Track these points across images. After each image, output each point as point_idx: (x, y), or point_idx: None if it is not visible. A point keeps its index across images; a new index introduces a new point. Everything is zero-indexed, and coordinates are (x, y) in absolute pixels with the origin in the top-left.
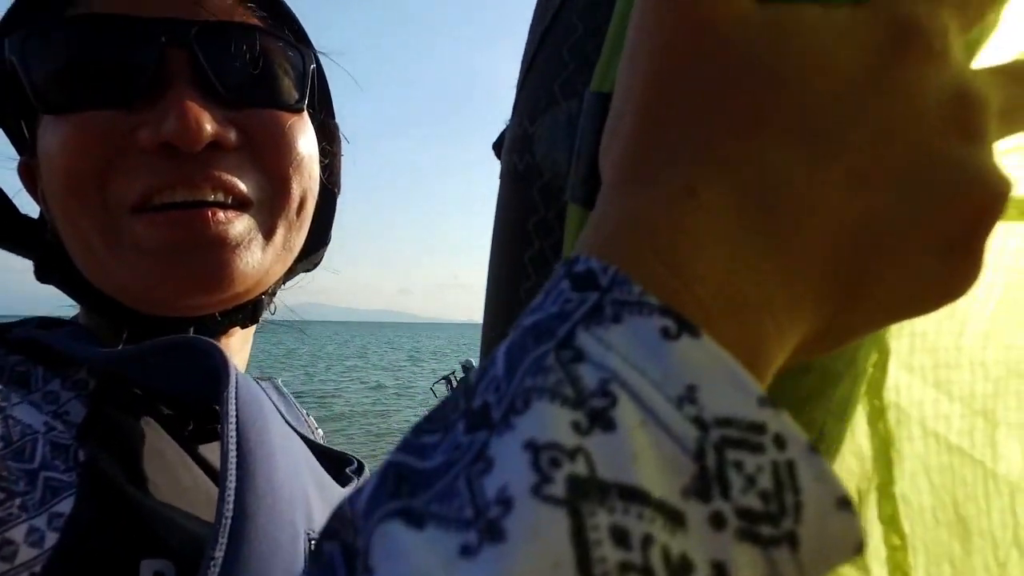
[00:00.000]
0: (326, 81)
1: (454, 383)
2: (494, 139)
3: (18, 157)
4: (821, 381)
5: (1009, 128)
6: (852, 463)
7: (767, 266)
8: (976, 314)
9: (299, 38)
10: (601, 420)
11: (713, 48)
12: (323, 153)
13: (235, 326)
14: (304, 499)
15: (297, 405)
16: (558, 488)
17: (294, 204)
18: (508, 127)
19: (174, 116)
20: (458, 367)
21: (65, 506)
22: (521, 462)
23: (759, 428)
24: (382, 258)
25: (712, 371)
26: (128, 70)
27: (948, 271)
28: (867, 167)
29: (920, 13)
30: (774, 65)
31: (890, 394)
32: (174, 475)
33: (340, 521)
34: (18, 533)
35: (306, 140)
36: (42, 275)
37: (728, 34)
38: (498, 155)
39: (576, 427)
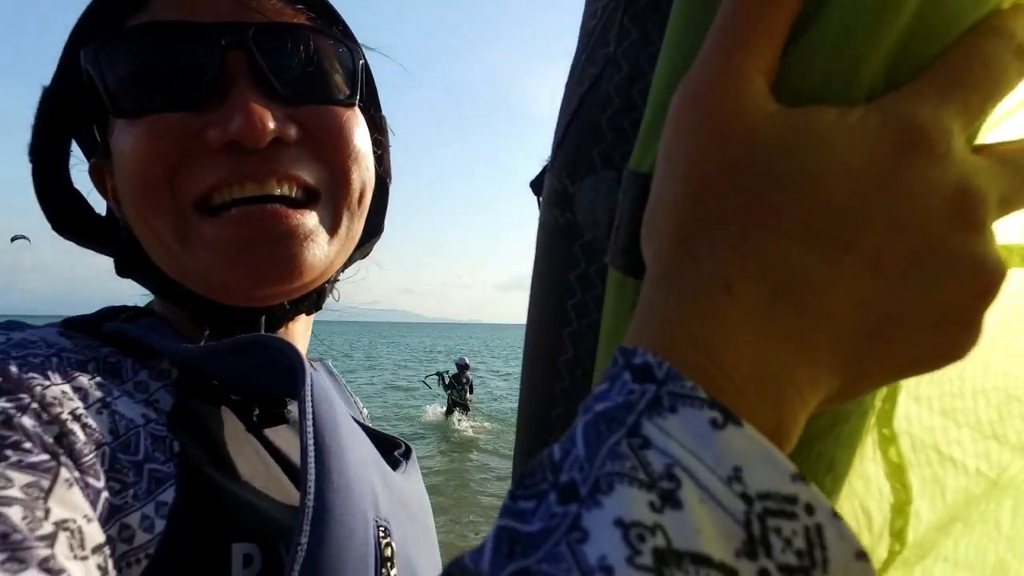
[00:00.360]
0: (372, 76)
1: (446, 379)
2: (531, 177)
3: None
4: (832, 419)
5: (1007, 211)
6: (859, 485)
7: (791, 348)
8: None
9: (346, 35)
10: (670, 500)
11: (739, 155)
12: (375, 144)
13: (301, 313)
14: (371, 489)
15: (346, 387)
16: (646, 558)
17: (355, 195)
18: (548, 176)
19: (239, 115)
20: (452, 365)
21: (167, 495)
22: (614, 536)
23: (792, 499)
24: (384, 257)
25: (753, 454)
26: (193, 73)
27: (951, 340)
28: (880, 259)
29: (925, 117)
30: (793, 169)
31: (901, 423)
32: (249, 461)
33: (463, 573)
34: (134, 519)
35: (361, 133)
36: (121, 270)
37: (752, 141)
38: (535, 193)
39: (652, 506)
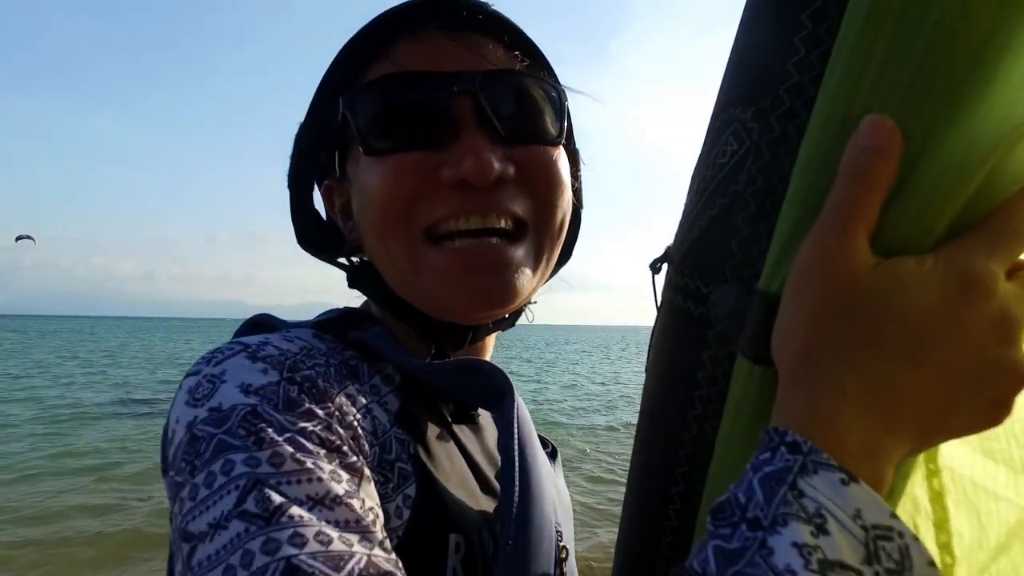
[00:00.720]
0: (569, 111)
1: None
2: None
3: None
4: None
5: None
6: (908, 506)
7: (884, 428)
8: None
9: (552, 77)
10: (823, 530)
11: (848, 299)
12: (572, 177)
13: (498, 330)
14: (552, 498)
15: None
16: (814, 565)
17: (556, 226)
18: (675, 270)
19: (471, 159)
20: None
21: (411, 490)
22: (792, 552)
23: (890, 528)
24: None
25: (867, 500)
26: (429, 117)
27: (991, 416)
28: (945, 368)
29: (979, 266)
30: (886, 307)
31: (944, 460)
32: (449, 459)
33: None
34: (391, 508)
35: (565, 168)
36: (352, 284)
37: (857, 288)
38: (653, 271)
39: (812, 534)
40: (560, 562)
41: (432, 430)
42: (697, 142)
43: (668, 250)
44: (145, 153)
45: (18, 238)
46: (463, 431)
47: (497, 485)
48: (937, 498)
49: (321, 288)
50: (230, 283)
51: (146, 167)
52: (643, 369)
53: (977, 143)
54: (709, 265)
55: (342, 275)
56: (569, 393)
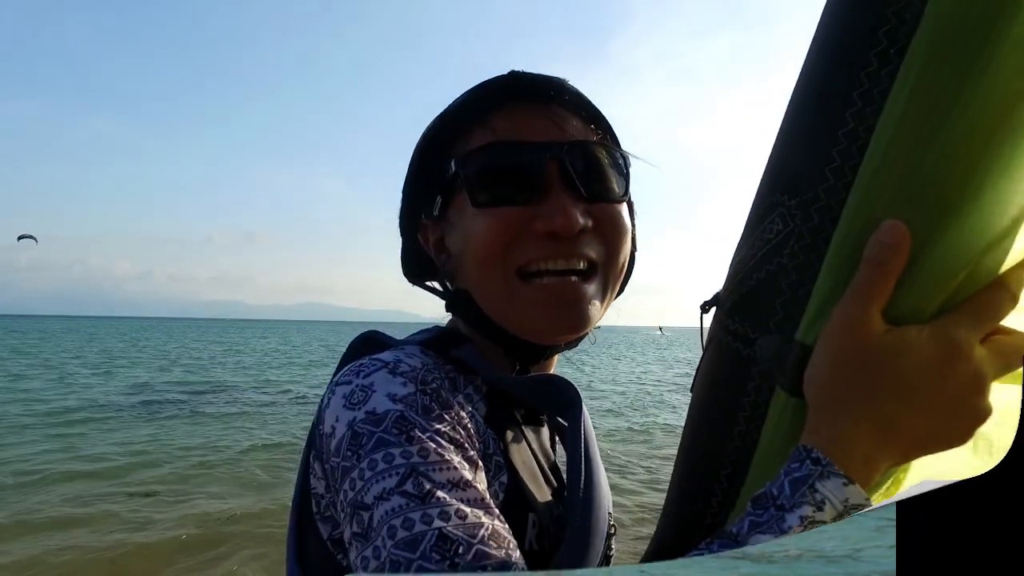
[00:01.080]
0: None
1: None
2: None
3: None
4: None
5: (999, 376)
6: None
7: (881, 449)
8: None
9: (617, 144)
10: (820, 510)
11: (863, 357)
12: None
13: (567, 349)
14: (606, 488)
15: None
16: (805, 525)
17: (619, 266)
18: (724, 315)
19: (561, 216)
20: None
21: (504, 478)
22: (797, 520)
23: (862, 506)
24: (384, 259)
25: (856, 494)
26: (526, 179)
27: (959, 441)
28: (931, 410)
29: (962, 337)
30: (891, 364)
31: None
32: (522, 454)
33: (727, 536)
34: (491, 491)
35: (628, 219)
36: (450, 309)
37: (870, 349)
38: (703, 311)
39: (813, 512)
40: (610, 536)
41: (511, 431)
42: (695, 143)
43: (717, 295)
44: (142, 153)
45: (20, 237)
46: (528, 432)
47: (552, 477)
48: (897, 483)
49: (320, 288)
50: (228, 283)
51: (143, 167)
52: (647, 370)
53: (961, 251)
54: (757, 317)
55: (342, 278)
56: (586, 394)
